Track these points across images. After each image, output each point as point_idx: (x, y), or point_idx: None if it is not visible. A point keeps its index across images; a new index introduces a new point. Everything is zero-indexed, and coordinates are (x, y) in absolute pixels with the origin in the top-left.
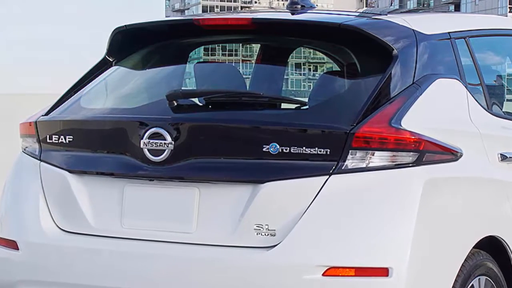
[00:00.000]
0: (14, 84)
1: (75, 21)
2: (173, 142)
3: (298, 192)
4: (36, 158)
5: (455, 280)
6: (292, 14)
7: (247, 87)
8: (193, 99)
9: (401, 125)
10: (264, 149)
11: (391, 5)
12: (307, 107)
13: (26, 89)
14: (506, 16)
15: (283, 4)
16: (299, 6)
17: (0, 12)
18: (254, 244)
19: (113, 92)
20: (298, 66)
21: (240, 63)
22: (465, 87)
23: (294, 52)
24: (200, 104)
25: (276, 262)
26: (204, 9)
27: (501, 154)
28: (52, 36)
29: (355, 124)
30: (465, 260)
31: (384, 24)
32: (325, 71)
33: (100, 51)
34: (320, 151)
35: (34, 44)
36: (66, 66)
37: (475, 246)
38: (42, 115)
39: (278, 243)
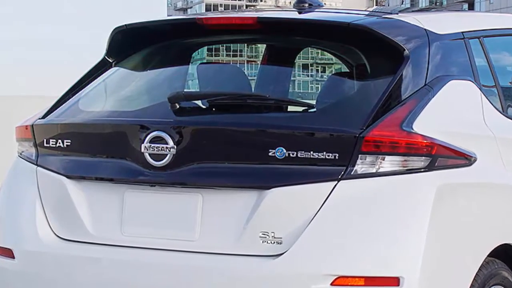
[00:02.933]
0: (11, 86)
1: (75, 21)
2: (175, 146)
3: (305, 198)
4: (33, 163)
5: None
6: (299, 13)
7: (253, 89)
8: (196, 102)
9: (412, 129)
10: (270, 154)
11: (402, 3)
12: (314, 109)
13: (23, 91)
14: None
15: (290, 2)
16: (306, 5)
17: None
18: (259, 253)
19: (113, 94)
20: (305, 67)
21: (245, 64)
22: (479, 89)
23: (301, 52)
24: (204, 107)
25: (282, 271)
26: (208, 8)
27: None
28: (51, 36)
29: (364, 128)
30: (480, 269)
31: (395, 24)
32: (333, 72)
33: (100, 52)
34: (328, 155)
35: (32, 44)
36: (65, 67)
37: (490, 255)
38: (39, 118)
39: (285, 252)
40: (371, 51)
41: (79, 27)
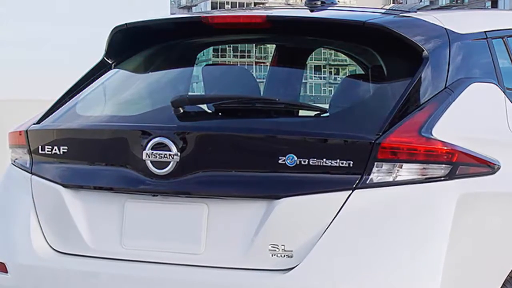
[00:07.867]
0: (6, 88)
1: (75, 20)
2: (178, 153)
3: (317, 208)
4: (27, 171)
5: None
6: (311, 11)
7: (261, 92)
8: (201, 106)
9: (432, 135)
10: (280, 161)
11: (420, 1)
12: (327, 114)
13: (18, 94)
14: None
15: (301, 0)
16: (318, 3)
17: None
18: (269, 267)
19: (112, 98)
20: (317, 69)
21: (254, 66)
22: (503, 92)
23: (313, 53)
24: (209, 111)
25: (293, 287)
26: (214, 6)
27: None
28: (50, 36)
29: (381, 134)
30: (503, 284)
31: (413, 23)
32: (347, 75)
33: (100, 52)
34: (342, 163)
35: (30, 45)
36: (63, 69)
37: None
38: (34, 124)
39: (296, 266)
40: (388, 51)
41: (79, 26)
